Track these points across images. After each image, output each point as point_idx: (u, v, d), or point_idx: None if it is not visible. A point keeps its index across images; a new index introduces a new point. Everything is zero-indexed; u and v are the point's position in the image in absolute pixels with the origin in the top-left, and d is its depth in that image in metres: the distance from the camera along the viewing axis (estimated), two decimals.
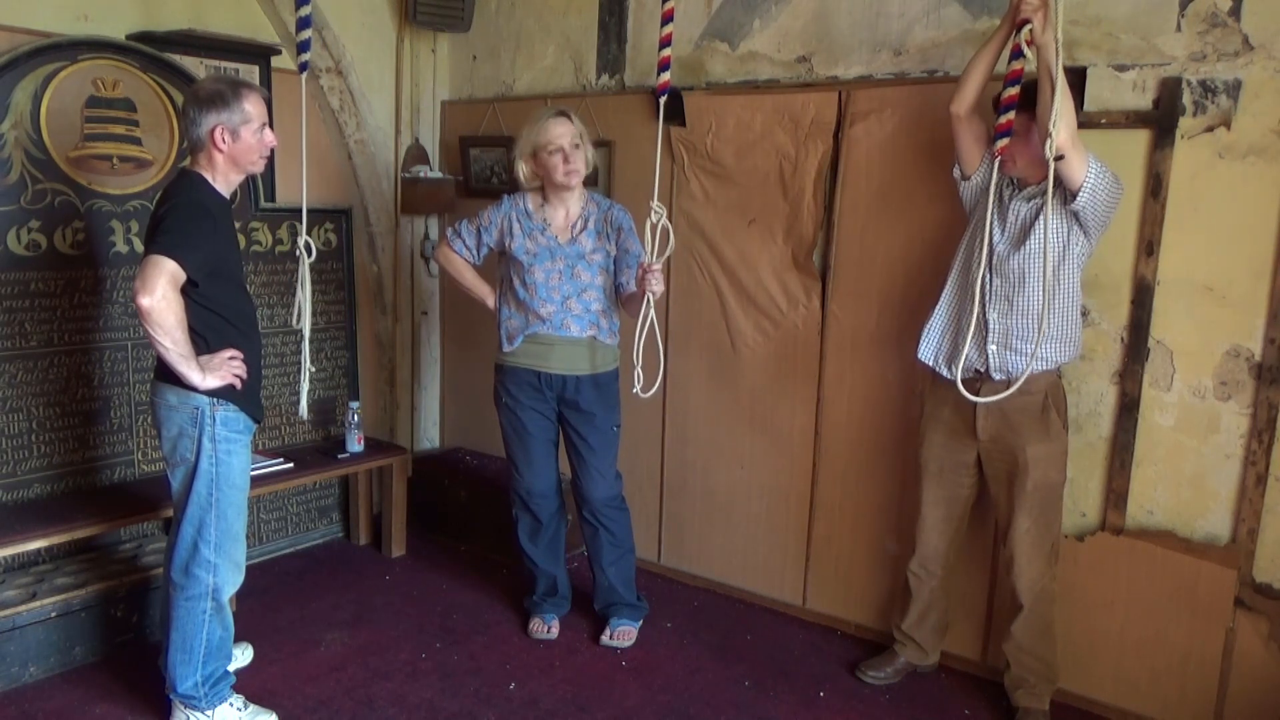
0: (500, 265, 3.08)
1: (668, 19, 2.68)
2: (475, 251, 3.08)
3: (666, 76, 2.74)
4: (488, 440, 4.23)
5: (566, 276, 2.94)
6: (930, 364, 2.70)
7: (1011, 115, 2.36)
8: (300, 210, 3.65)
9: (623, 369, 3.10)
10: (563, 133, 2.85)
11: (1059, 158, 2.34)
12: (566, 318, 2.94)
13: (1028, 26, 2.29)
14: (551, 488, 3.16)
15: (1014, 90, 2.33)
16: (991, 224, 2.56)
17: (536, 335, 2.95)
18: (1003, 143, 2.40)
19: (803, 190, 3.19)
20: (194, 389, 2.37)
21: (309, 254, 2.76)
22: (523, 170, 2.94)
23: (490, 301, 3.11)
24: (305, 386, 2.86)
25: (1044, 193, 2.52)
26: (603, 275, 2.98)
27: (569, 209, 2.97)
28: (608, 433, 3.06)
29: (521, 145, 2.92)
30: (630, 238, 2.99)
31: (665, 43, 2.70)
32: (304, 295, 2.79)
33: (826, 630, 3.30)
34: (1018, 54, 2.32)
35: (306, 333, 2.84)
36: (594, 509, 3.10)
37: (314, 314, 3.47)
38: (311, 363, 2.92)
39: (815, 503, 3.31)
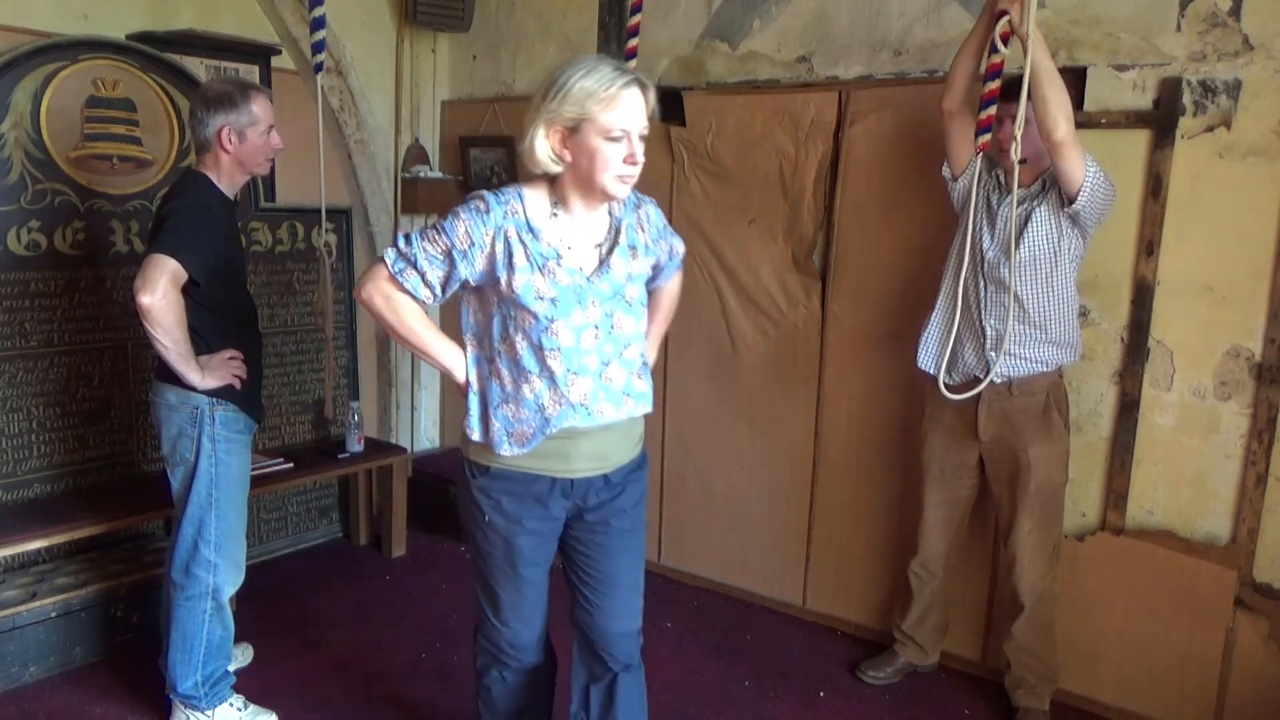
0: (470, 310, 1.94)
1: (634, 33, 2.95)
2: (439, 289, 1.85)
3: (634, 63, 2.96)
4: None
5: (605, 331, 1.87)
6: (930, 371, 2.69)
7: (993, 110, 2.36)
8: (300, 209, 3.68)
9: None
10: (639, 110, 1.77)
11: (1022, 160, 2.34)
12: (601, 398, 1.89)
13: (1005, 18, 2.29)
14: (543, 634, 2.16)
15: (994, 84, 2.33)
16: (980, 227, 2.57)
17: (559, 430, 1.88)
18: (984, 138, 2.40)
19: (803, 190, 3.19)
20: (193, 389, 2.37)
21: (329, 254, 2.76)
22: (543, 146, 1.78)
23: (459, 374, 1.93)
24: (330, 385, 2.86)
25: (1034, 197, 2.53)
26: (644, 313, 1.98)
27: (595, 219, 1.90)
28: (639, 528, 2.08)
29: (559, 105, 1.74)
30: (672, 237, 2.08)
31: (632, 54, 2.99)
32: (325, 296, 2.79)
33: (826, 630, 3.30)
34: (995, 48, 2.32)
35: (329, 332, 2.84)
36: (610, 647, 2.07)
37: (318, 314, 3.47)
38: (334, 361, 2.90)
39: (815, 503, 3.31)
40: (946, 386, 2.54)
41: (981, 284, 2.58)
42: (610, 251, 1.89)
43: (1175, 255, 2.59)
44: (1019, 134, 2.25)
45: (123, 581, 2.97)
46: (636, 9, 2.98)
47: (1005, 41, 2.30)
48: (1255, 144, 2.46)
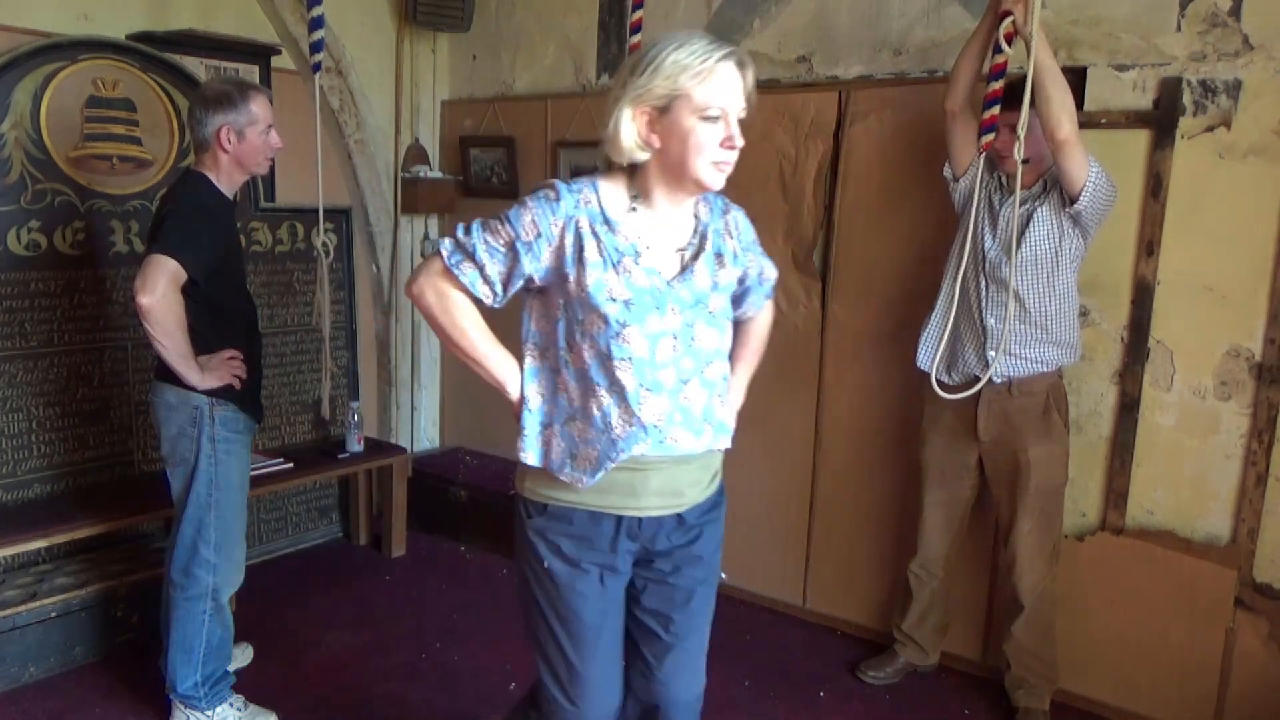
0: (533, 316, 1.71)
1: (636, 28, 2.90)
2: (499, 286, 1.64)
3: None
4: (488, 440, 4.23)
5: (684, 343, 1.64)
6: (930, 371, 2.69)
7: (995, 110, 2.36)
8: (300, 209, 3.68)
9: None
10: (737, 90, 1.56)
11: (1025, 160, 2.35)
12: (678, 421, 1.65)
13: (1009, 19, 2.29)
14: (618, 708, 1.83)
15: (997, 85, 2.33)
16: (982, 227, 2.57)
17: (629, 459, 1.64)
18: (988, 138, 2.40)
19: (803, 190, 3.19)
20: (194, 389, 2.37)
21: (326, 254, 2.77)
22: (629, 130, 1.58)
23: (513, 389, 1.70)
24: (327, 386, 2.87)
25: (1036, 197, 2.53)
26: (729, 329, 1.76)
27: (679, 218, 1.69)
28: (712, 585, 1.84)
29: (649, 81, 1.54)
30: (763, 257, 1.84)
31: (636, 28, 2.95)
32: (323, 296, 2.80)
33: (826, 630, 3.30)
34: (999, 48, 2.32)
35: (326, 333, 2.85)
36: (671, 717, 1.84)
37: (315, 314, 3.48)
38: (331, 361, 2.91)
39: (815, 503, 3.31)
40: (946, 386, 2.54)
41: (983, 283, 2.58)
42: (695, 257, 1.66)
43: (1175, 255, 2.59)
44: (1022, 134, 2.26)
45: (123, 581, 2.97)
46: (638, 5, 2.99)
47: (1009, 42, 2.31)
48: (1255, 144, 2.46)
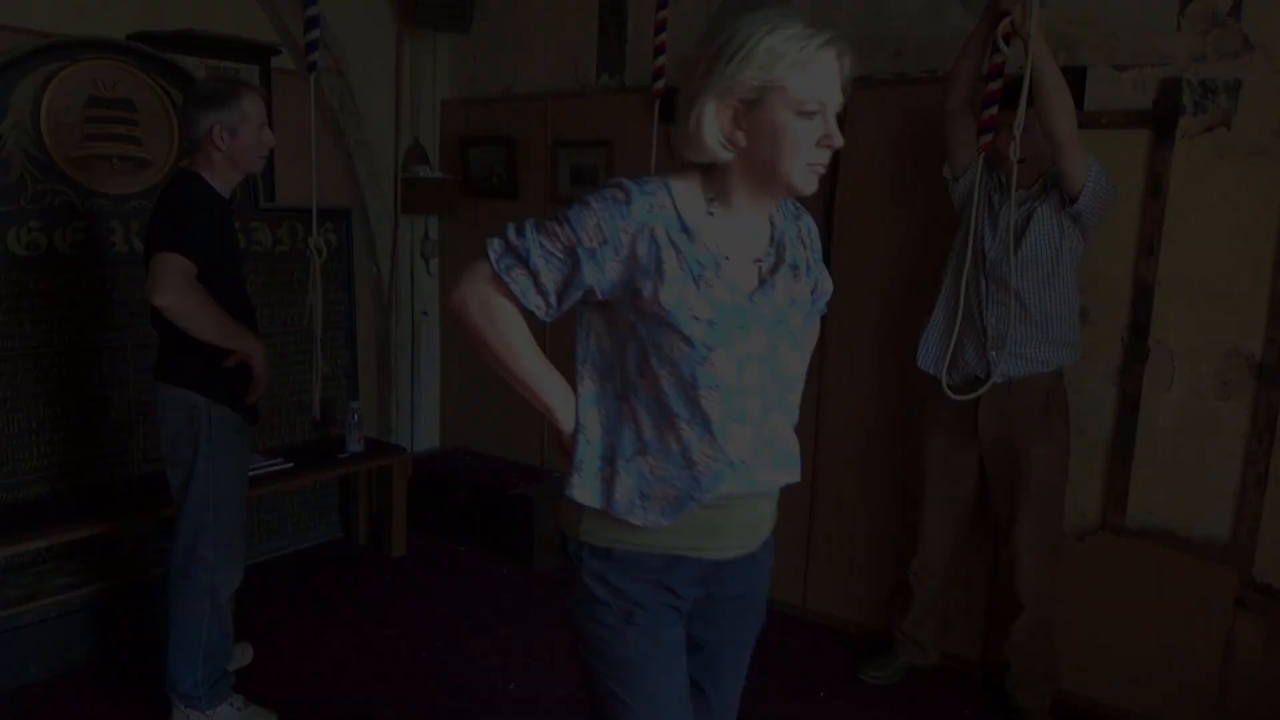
0: (592, 333, 1.49)
1: (661, 27, 2.88)
2: (554, 297, 1.41)
3: (661, 85, 3.00)
4: (488, 440, 4.24)
5: (769, 367, 1.46)
6: (930, 371, 2.69)
7: (994, 110, 2.36)
8: (301, 210, 3.67)
9: None
10: (836, 81, 1.36)
11: (1022, 160, 2.35)
12: (765, 455, 1.50)
13: (1007, 18, 2.29)
14: None
15: (995, 84, 2.33)
16: (982, 227, 2.57)
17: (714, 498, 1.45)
18: (986, 139, 2.40)
19: None
20: (192, 389, 2.37)
21: (320, 255, 2.77)
22: (712, 127, 1.37)
23: (567, 417, 1.48)
24: (317, 386, 2.87)
25: (1035, 197, 2.53)
26: (809, 353, 1.66)
27: (757, 226, 1.48)
28: (757, 626, 1.69)
29: (739, 70, 1.32)
30: (822, 270, 1.62)
31: (660, 50, 2.94)
32: (315, 296, 2.80)
33: (826, 630, 3.30)
34: (997, 48, 2.32)
35: (318, 333, 2.85)
36: None
37: (306, 314, 3.47)
38: (323, 362, 2.91)
39: (815, 503, 3.31)
40: (948, 386, 2.54)
41: (983, 283, 2.58)
42: (774, 270, 1.46)
43: (1175, 255, 2.59)
44: (1018, 134, 2.26)
45: (122, 581, 2.97)
46: (663, 4, 3.00)
47: (1007, 42, 2.31)
48: (1255, 144, 2.46)
